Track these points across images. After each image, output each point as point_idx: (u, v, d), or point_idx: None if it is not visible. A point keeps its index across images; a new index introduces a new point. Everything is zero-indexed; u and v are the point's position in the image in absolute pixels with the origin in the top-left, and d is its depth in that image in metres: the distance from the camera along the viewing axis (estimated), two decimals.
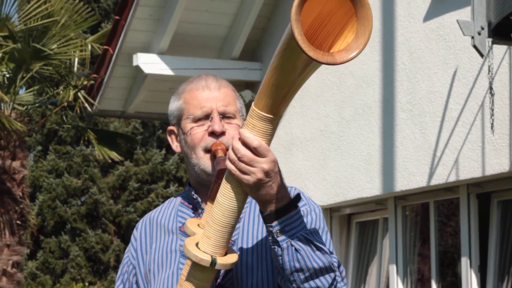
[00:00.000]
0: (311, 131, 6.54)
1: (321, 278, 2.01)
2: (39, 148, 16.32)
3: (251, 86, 6.97)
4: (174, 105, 2.22)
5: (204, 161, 2.16)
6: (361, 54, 5.23)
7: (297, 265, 1.99)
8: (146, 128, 17.30)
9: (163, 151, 17.04)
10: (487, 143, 5.23)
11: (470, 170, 5.31)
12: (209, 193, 2.08)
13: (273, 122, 1.93)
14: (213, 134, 2.15)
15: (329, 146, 6.35)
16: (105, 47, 7.07)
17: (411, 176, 5.63)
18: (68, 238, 15.52)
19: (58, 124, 11.49)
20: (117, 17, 6.86)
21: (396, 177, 5.79)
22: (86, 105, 7.67)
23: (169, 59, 6.81)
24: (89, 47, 8.45)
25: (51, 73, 8.27)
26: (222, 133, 2.14)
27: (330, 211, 6.53)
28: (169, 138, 2.27)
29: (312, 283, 2.00)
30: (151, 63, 6.75)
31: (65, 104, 8.36)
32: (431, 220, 5.81)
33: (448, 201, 5.90)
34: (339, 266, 2.08)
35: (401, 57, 5.77)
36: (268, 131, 1.93)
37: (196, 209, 2.24)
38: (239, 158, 1.94)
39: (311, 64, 1.84)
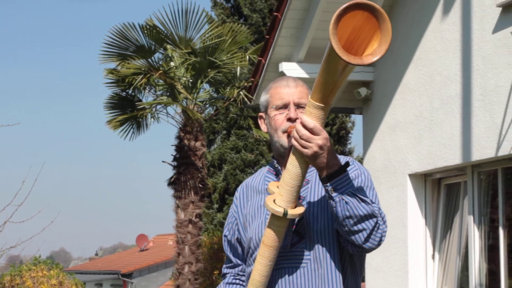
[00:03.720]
0: (410, 116, 6.72)
1: (366, 222, 2.17)
2: (224, 132, 17.46)
3: (366, 84, 7.29)
4: (263, 98, 2.43)
5: (282, 139, 2.35)
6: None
7: (347, 213, 2.15)
8: None
9: None
10: None
11: None
12: (284, 163, 2.25)
13: (325, 110, 2.07)
14: (289, 119, 2.34)
15: (422, 128, 6.53)
16: (259, 58, 7.58)
17: (483, 149, 5.76)
18: None
19: (232, 115, 12.46)
20: (267, 36, 7.37)
21: (472, 150, 5.89)
22: (246, 100, 8.37)
23: (305, 66, 7.16)
24: (247, 58, 9.19)
25: (221, 78, 9.12)
26: (296, 119, 2.30)
27: (425, 176, 6.69)
28: (259, 121, 2.49)
29: (359, 226, 2.17)
30: (292, 69, 7.11)
31: (231, 100, 9.11)
32: (499, 182, 5.92)
33: (511, 168, 5.84)
34: (380, 213, 2.22)
35: (476, 60, 5.90)
36: (321, 116, 2.09)
37: (277, 175, 2.44)
38: (300, 136, 2.11)
39: (348, 67, 1.97)
